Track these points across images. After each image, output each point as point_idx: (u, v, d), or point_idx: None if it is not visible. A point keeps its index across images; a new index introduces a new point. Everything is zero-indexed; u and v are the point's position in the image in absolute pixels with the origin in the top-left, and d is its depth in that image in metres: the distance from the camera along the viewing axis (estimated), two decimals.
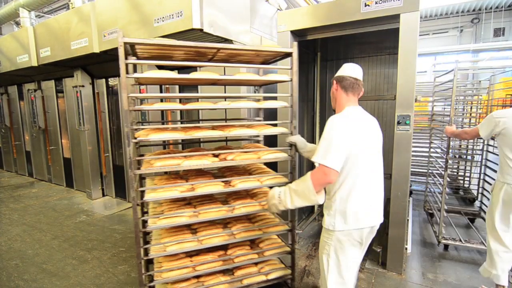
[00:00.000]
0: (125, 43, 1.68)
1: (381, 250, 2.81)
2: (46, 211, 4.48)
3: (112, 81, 4.73)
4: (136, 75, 1.80)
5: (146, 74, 1.84)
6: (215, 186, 2.05)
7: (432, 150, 4.40)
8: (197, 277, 2.09)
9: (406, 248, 2.73)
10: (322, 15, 2.77)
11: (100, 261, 3.01)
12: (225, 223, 2.26)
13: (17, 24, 8.18)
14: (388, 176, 2.86)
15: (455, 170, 5.67)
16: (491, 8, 13.36)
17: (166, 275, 1.95)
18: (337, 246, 1.70)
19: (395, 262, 2.72)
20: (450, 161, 3.17)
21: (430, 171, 4.22)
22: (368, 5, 2.51)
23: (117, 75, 4.48)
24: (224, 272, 2.18)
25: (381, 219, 1.74)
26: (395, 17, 2.44)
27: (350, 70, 1.74)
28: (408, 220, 2.85)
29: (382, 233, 3.07)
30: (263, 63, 2.52)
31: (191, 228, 2.16)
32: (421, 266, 2.87)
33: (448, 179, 3.29)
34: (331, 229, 1.68)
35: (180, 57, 2.18)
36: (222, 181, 2.12)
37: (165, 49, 1.92)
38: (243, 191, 2.35)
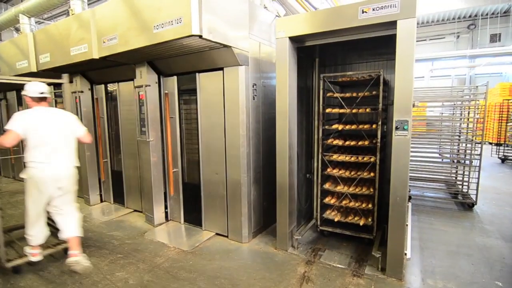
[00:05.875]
0: None
1: (380, 256, 2.80)
2: None
3: (111, 87, 4.74)
4: None
5: None
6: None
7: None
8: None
9: (405, 254, 2.72)
10: (320, 22, 2.80)
11: (97, 268, 2.98)
12: None
13: (17, 30, 8.22)
14: (387, 181, 2.87)
15: (454, 175, 5.68)
16: (487, 14, 13.53)
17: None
18: None
19: (394, 267, 2.70)
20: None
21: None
22: (366, 12, 2.54)
23: (116, 80, 4.54)
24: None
25: None
26: (392, 24, 2.47)
27: None
28: (407, 225, 2.84)
29: (381, 238, 3.06)
30: None
31: None
32: (421, 271, 2.85)
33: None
34: None
35: None
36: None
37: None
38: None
